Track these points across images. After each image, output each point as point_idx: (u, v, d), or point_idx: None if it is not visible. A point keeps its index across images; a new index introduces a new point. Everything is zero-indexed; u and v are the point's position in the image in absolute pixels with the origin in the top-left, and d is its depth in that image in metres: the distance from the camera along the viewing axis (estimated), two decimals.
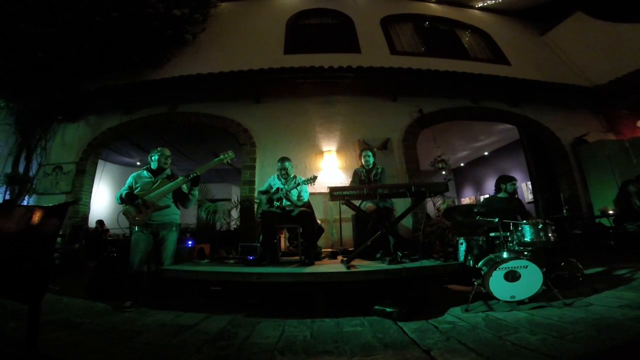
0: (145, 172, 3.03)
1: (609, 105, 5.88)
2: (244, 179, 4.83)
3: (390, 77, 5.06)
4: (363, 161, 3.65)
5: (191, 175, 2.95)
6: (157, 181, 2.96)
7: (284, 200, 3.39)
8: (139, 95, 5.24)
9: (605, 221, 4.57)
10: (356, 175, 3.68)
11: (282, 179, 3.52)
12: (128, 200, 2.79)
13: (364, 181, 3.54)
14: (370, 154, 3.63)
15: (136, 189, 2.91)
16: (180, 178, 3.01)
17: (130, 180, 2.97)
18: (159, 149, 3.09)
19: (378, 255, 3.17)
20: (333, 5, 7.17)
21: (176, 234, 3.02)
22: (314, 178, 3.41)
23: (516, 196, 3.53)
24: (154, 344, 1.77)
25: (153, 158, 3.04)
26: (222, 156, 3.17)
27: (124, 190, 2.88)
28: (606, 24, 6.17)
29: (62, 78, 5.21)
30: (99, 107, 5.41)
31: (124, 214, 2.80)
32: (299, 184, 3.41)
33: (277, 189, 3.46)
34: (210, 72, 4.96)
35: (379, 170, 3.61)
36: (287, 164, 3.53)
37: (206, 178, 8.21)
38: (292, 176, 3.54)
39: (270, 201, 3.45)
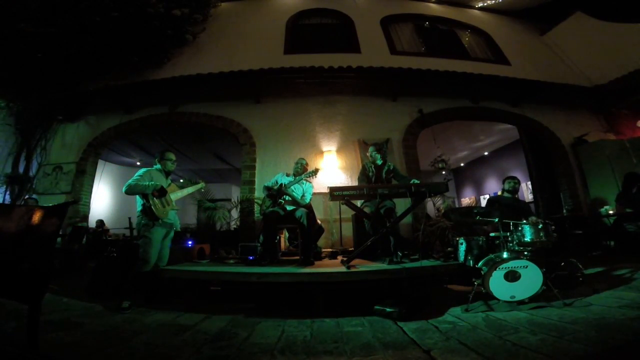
0: (160, 172, 3.01)
1: (609, 105, 5.88)
2: (244, 179, 4.83)
3: (390, 77, 5.06)
4: (370, 158, 3.62)
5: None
6: (169, 183, 3.03)
7: (286, 197, 3.40)
8: (139, 95, 5.24)
9: (605, 221, 4.57)
10: (364, 170, 3.61)
11: (291, 177, 3.56)
12: (160, 193, 2.78)
13: (371, 178, 3.49)
14: (375, 151, 3.57)
15: None
16: (194, 185, 3.31)
17: (147, 175, 2.85)
18: (171, 153, 3.13)
19: (378, 253, 3.16)
20: (333, 5, 7.17)
21: None
22: (316, 171, 3.47)
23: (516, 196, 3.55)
24: (153, 344, 1.77)
25: (170, 161, 3.06)
26: (198, 185, 3.40)
27: (151, 182, 2.76)
28: (606, 24, 6.17)
29: (62, 78, 5.21)
30: (99, 107, 5.41)
31: (151, 207, 2.69)
32: (300, 180, 3.45)
33: (281, 184, 3.47)
34: (210, 72, 4.96)
35: (391, 167, 3.55)
36: (303, 161, 3.66)
37: (206, 178, 8.22)
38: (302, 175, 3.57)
39: (271, 196, 3.45)
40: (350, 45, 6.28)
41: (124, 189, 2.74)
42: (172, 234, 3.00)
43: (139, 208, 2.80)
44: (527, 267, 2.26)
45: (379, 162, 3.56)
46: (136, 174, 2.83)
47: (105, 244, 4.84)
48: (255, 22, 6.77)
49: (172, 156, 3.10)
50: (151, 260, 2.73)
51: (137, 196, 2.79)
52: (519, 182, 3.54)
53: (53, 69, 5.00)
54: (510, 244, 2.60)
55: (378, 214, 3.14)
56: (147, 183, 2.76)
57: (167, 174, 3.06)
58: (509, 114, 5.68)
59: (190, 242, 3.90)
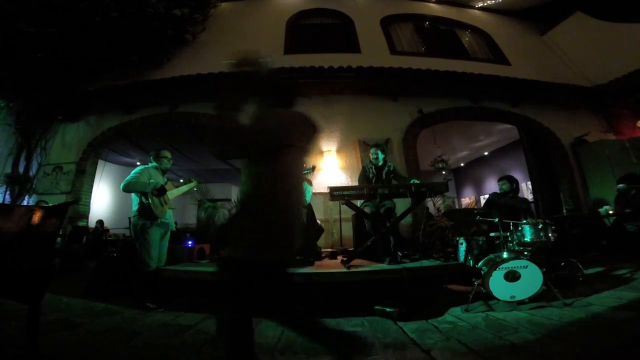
0: (157, 170, 2.98)
1: (609, 105, 5.88)
2: None
3: (390, 77, 5.05)
4: (372, 158, 3.59)
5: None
6: (166, 182, 2.99)
7: None
8: (139, 95, 5.23)
9: (605, 221, 4.56)
10: (364, 171, 3.59)
11: None
12: (159, 192, 2.77)
13: (372, 179, 3.48)
14: (379, 151, 3.54)
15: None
16: (188, 184, 3.24)
17: (145, 172, 2.81)
18: (167, 150, 3.11)
19: (378, 253, 3.16)
20: (333, 5, 7.16)
21: None
22: (313, 168, 3.47)
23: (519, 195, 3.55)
24: (154, 344, 1.77)
25: (166, 158, 3.05)
26: (191, 184, 3.33)
27: (151, 181, 2.75)
28: (606, 24, 6.17)
29: (62, 78, 5.20)
30: (99, 107, 5.40)
31: (151, 206, 2.68)
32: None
33: None
34: (210, 72, 4.95)
35: (391, 168, 3.54)
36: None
37: (206, 178, 8.22)
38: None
39: None
40: (350, 45, 6.28)
41: (122, 186, 2.68)
42: (168, 234, 2.98)
43: (135, 208, 2.75)
44: (527, 267, 2.26)
45: (381, 163, 3.54)
46: (133, 172, 2.78)
47: (105, 244, 4.84)
48: (255, 22, 6.77)
49: (168, 154, 3.08)
50: (153, 260, 2.72)
51: (134, 196, 2.75)
52: (513, 181, 3.50)
53: (53, 68, 4.99)
54: (510, 244, 2.60)
55: (378, 214, 3.14)
56: (147, 181, 2.74)
57: (163, 172, 3.03)
58: (509, 114, 5.68)
59: (190, 242, 3.89)
